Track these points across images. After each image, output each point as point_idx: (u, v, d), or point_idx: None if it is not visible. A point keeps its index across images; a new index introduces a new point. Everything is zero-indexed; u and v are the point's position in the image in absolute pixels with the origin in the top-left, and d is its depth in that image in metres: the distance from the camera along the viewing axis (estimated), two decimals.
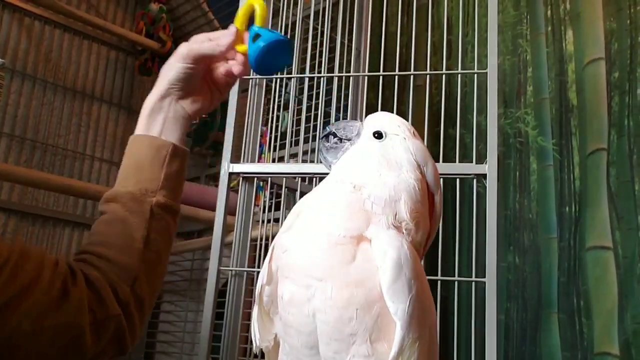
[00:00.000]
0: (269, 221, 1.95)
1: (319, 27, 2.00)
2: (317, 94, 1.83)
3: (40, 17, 3.34)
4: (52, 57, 3.39)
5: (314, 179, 1.69)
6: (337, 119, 1.93)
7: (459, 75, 1.72)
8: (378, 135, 0.84)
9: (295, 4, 1.89)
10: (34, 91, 3.31)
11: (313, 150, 2.01)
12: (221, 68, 1.06)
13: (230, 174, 1.74)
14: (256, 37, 0.97)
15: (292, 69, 1.92)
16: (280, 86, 2.08)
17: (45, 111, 3.32)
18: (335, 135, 0.86)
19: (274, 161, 1.95)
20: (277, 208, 2.02)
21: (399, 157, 0.82)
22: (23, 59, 3.28)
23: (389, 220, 0.77)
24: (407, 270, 0.73)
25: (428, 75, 1.70)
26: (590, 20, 1.91)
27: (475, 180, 1.58)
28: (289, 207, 2.17)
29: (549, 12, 2.02)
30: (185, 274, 3.35)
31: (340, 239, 0.75)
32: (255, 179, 1.78)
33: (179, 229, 3.80)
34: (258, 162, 1.84)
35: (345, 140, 0.86)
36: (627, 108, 1.77)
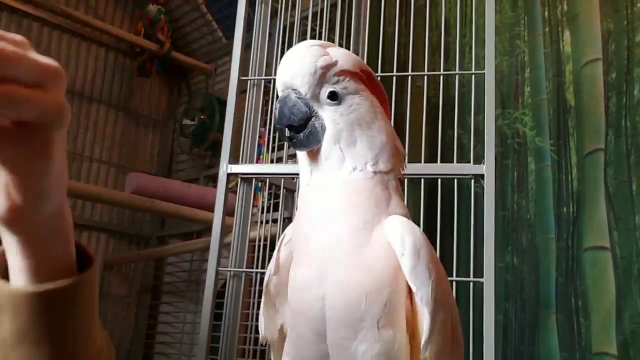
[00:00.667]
0: (267, 222, 1.96)
1: (317, 29, 2.00)
2: None
3: (38, 18, 3.34)
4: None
5: None
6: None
7: (457, 76, 1.73)
8: (332, 97, 0.80)
9: (294, 5, 1.90)
10: None
11: None
12: None
13: (229, 174, 1.74)
14: None
15: None
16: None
17: None
18: (291, 127, 0.81)
19: (272, 162, 1.95)
20: (276, 209, 2.02)
21: (369, 111, 0.81)
22: None
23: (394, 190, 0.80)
24: (424, 254, 0.75)
25: (426, 76, 1.71)
26: (587, 21, 1.91)
27: (473, 181, 1.58)
28: (287, 208, 2.17)
29: (546, 13, 2.02)
30: (183, 275, 3.36)
31: (360, 224, 0.76)
32: (254, 179, 1.78)
33: (178, 230, 3.77)
34: (257, 162, 1.85)
35: (304, 123, 0.80)
36: (624, 108, 1.77)
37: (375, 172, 0.79)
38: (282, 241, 0.85)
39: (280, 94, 0.82)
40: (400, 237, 0.75)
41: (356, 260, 0.74)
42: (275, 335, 0.85)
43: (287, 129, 0.80)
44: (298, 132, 0.80)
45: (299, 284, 0.78)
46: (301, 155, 0.83)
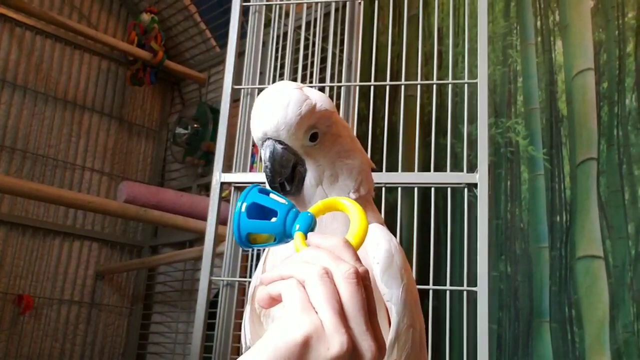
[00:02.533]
0: None
1: (311, 38, 2.00)
2: None
3: (31, 27, 3.33)
4: (43, 67, 3.38)
5: None
6: None
7: (450, 85, 1.73)
8: (313, 138, 0.80)
9: (287, 14, 1.90)
10: (25, 101, 3.29)
11: None
12: None
13: (222, 183, 1.74)
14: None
15: (283, 78, 1.92)
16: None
17: (36, 121, 3.31)
18: (283, 187, 0.79)
19: None
20: None
21: (347, 140, 0.84)
22: (14, 70, 3.27)
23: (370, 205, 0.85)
24: (397, 260, 0.78)
25: (419, 85, 1.71)
26: (579, 31, 1.92)
27: (466, 190, 1.58)
28: None
29: (538, 23, 2.03)
30: (176, 284, 3.34)
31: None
32: None
33: (171, 239, 3.76)
34: (250, 171, 1.84)
35: (292, 175, 0.80)
36: (616, 118, 1.78)
37: (357, 200, 0.80)
38: (267, 251, 0.85)
39: (263, 145, 0.79)
40: (375, 242, 0.78)
41: None
42: None
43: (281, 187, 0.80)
44: (287, 180, 0.80)
45: None
46: None
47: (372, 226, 0.79)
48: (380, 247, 0.78)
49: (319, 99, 0.80)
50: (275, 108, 0.77)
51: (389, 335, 0.75)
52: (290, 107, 0.77)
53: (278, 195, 0.70)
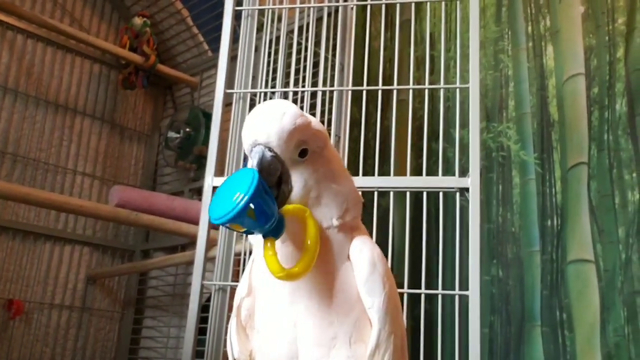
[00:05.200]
0: None
1: (303, 42, 2.01)
2: (301, 108, 1.83)
3: (22, 30, 3.31)
4: (34, 70, 3.37)
5: None
6: None
7: (442, 90, 1.74)
8: (303, 154, 0.80)
9: (280, 19, 1.90)
10: (16, 105, 3.28)
11: None
12: None
13: (214, 187, 1.74)
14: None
15: (276, 83, 1.92)
16: (264, 100, 2.08)
17: (27, 125, 3.29)
18: (267, 192, 0.77)
19: None
20: None
21: (337, 165, 0.85)
22: (4, 73, 3.25)
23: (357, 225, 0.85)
24: (380, 268, 0.80)
25: (411, 90, 1.72)
26: (569, 37, 1.94)
27: (458, 194, 1.59)
28: None
29: (529, 28, 2.05)
30: (168, 288, 3.33)
31: (328, 265, 0.80)
32: None
33: (162, 243, 3.75)
34: None
35: (277, 193, 0.78)
36: (606, 123, 1.79)
37: (340, 226, 0.81)
38: (252, 262, 0.85)
39: (253, 151, 0.79)
40: (358, 251, 0.80)
41: (325, 283, 0.78)
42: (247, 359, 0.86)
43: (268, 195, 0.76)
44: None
45: (270, 311, 0.80)
46: None
47: (357, 238, 0.82)
48: (362, 255, 0.80)
49: (315, 121, 0.82)
50: (270, 117, 0.78)
51: (369, 343, 0.76)
52: (286, 117, 0.78)
53: (271, 198, 0.74)
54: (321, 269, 0.78)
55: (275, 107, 0.79)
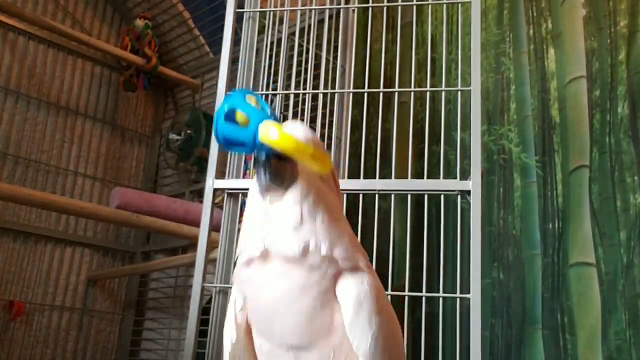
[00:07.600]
0: None
1: (305, 44, 2.01)
2: (303, 110, 1.83)
3: (24, 32, 3.32)
4: (36, 72, 3.37)
5: None
6: (321, 136, 1.94)
7: (443, 92, 1.74)
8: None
9: (281, 21, 1.90)
10: (17, 106, 3.28)
11: None
12: None
13: (215, 189, 1.74)
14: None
15: (277, 85, 1.92)
16: (266, 102, 2.08)
17: (28, 126, 3.29)
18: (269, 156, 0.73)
19: None
20: None
21: (331, 199, 0.81)
22: (6, 74, 3.26)
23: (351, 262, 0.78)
24: (366, 307, 0.74)
25: (412, 93, 1.72)
26: (571, 39, 1.94)
27: (459, 197, 1.59)
28: None
29: (531, 30, 2.05)
30: (168, 290, 3.32)
31: (317, 302, 0.77)
32: (240, 194, 1.77)
33: (163, 245, 3.76)
34: (243, 178, 1.84)
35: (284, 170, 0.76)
36: (608, 125, 1.79)
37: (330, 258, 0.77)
38: (235, 307, 0.84)
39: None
40: (345, 292, 0.75)
41: (318, 324, 0.76)
42: None
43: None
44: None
45: (267, 356, 0.80)
46: None
47: (345, 278, 0.76)
48: (347, 295, 0.75)
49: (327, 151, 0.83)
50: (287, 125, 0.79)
51: None
52: (302, 126, 0.80)
53: (260, 102, 0.70)
54: (311, 303, 0.76)
55: (294, 123, 0.82)
